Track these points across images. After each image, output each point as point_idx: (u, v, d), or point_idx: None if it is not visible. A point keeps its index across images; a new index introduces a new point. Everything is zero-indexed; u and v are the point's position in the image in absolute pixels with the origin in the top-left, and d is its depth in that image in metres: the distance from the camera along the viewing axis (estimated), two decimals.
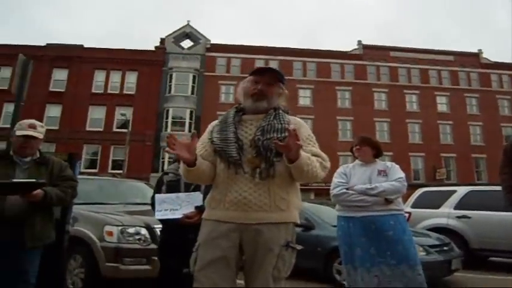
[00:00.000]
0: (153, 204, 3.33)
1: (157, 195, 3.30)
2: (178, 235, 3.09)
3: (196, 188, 3.21)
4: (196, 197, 3.14)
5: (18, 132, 2.97)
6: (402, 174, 3.53)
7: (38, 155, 3.05)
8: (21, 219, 2.84)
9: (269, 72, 2.25)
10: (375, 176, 3.53)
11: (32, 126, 2.99)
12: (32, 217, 2.88)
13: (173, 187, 3.31)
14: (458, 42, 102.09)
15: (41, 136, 3.03)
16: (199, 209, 2.99)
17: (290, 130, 1.93)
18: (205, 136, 2.26)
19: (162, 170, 30.42)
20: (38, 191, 2.81)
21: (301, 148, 1.95)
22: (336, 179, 3.62)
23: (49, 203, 2.94)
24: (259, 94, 2.19)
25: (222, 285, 1.97)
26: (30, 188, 2.80)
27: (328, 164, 2.13)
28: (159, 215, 3.22)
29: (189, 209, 3.10)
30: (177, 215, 3.12)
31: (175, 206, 3.15)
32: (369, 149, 3.65)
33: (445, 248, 5.99)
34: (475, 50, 37.94)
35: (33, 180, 2.84)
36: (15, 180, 2.86)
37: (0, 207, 2.81)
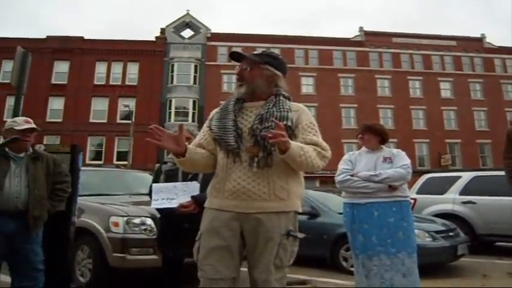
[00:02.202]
0: (151, 193, 3.34)
1: (154, 185, 3.32)
2: (174, 224, 3.13)
3: (194, 178, 3.22)
4: (193, 187, 3.14)
5: (19, 128, 3.06)
6: (407, 161, 3.50)
7: (31, 150, 3.17)
8: (27, 210, 3.00)
9: (237, 56, 2.22)
10: (380, 163, 3.50)
11: (28, 121, 3.13)
12: (33, 208, 3.03)
13: (171, 176, 3.31)
14: (461, 26, 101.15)
15: (37, 128, 3.17)
16: (195, 199, 3.00)
17: (274, 121, 1.91)
18: (206, 124, 2.25)
19: None
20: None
21: (285, 140, 1.89)
22: (341, 166, 3.61)
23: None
24: (237, 79, 2.18)
25: (226, 273, 1.97)
26: None
27: (327, 154, 2.07)
28: (156, 204, 3.24)
29: (186, 199, 3.09)
30: (173, 204, 3.12)
31: (172, 195, 3.16)
32: (372, 136, 3.62)
33: (450, 234, 6.00)
34: (478, 35, 37.60)
35: None
36: None
37: (16, 203, 2.98)
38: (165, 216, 3.30)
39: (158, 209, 3.34)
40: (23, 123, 3.09)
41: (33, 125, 3.12)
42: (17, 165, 3.06)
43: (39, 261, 3.11)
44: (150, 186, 3.40)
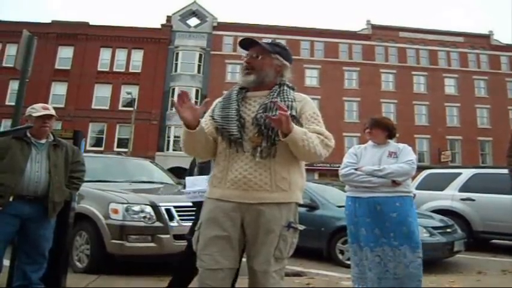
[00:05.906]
0: (185, 186, 3.41)
1: (187, 178, 3.38)
2: None
3: None
4: None
5: (37, 114, 3.10)
6: (412, 157, 3.48)
7: (52, 138, 3.23)
8: (46, 195, 3.06)
9: (248, 43, 2.19)
10: (385, 158, 3.50)
11: (46, 108, 3.17)
12: (53, 193, 3.09)
13: (204, 169, 3.34)
14: (468, 22, 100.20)
15: (55, 115, 3.21)
16: None
17: (273, 101, 1.90)
18: (208, 113, 2.22)
19: (168, 148, 30.78)
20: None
21: (288, 120, 1.87)
22: (345, 159, 3.61)
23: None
24: (245, 68, 2.15)
25: (225, 264, 1.96)
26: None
27: (331, 143, 2.06)
28: (189, 197, 3.31)
29: None
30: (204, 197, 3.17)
31: (204, 188, 3.19)
32: (380, 131, 3.61)
33: (448, 230, 6.03)
34: (485, 32, 37.27)
35: None
36: None
37: (35, 188, 3.03)
38: (199, 207, 3.35)
39: (193, 202, 3.39)
40: (40, 109, 3.12)
41: (51, 112, 3.16)
42: (38, 151, 3.12)
43: (48, 248, 3.16)
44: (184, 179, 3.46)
